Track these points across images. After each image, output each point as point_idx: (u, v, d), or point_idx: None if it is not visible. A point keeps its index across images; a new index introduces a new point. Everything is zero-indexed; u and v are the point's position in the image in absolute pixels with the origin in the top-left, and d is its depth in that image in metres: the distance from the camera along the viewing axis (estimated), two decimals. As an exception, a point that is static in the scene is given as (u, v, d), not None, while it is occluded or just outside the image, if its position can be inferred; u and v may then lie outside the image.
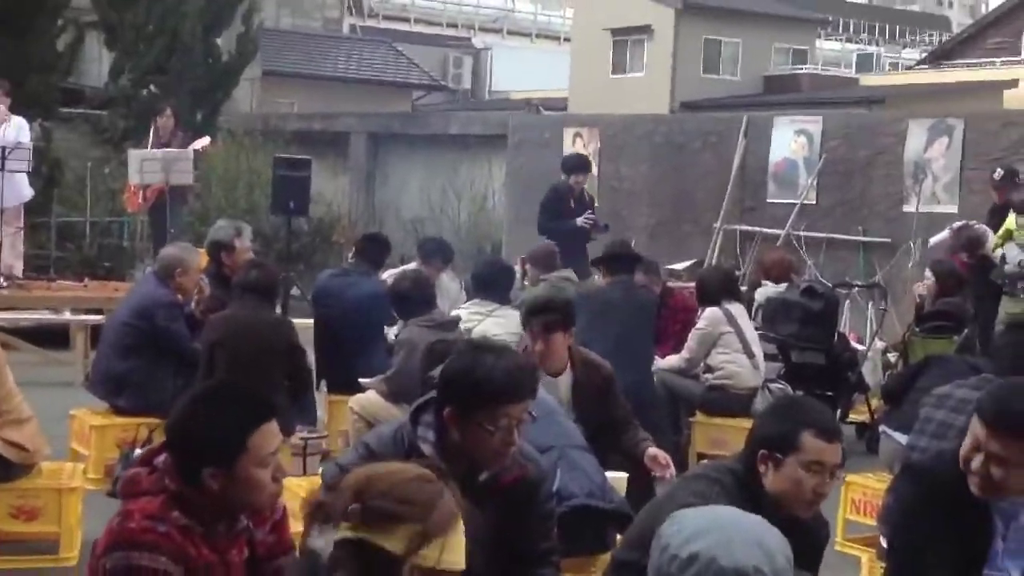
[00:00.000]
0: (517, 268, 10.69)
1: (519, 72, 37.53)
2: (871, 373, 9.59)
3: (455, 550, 2.57)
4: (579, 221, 11.91)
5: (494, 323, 8.16)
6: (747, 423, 8.46)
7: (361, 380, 7.60)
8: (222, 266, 8.22)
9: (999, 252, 9.38)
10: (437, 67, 36.45)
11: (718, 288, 8.91)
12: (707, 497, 3.58)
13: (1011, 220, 9.25)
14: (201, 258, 8.14)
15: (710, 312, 8.76)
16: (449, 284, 9.69)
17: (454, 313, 8.21)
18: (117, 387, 7.54)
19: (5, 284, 12.70)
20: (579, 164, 12.20)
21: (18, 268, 13.19)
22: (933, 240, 10.32)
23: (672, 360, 8.85)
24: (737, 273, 13.33)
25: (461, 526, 2.59)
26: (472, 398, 3.72)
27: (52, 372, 10.36)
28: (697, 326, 8.81)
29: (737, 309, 8.90)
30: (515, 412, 3.74)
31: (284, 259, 13.94)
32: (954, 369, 6.42)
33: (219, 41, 18.15)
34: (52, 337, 11.29)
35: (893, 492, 3.88)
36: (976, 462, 3.45)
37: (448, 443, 3.77)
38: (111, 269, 14.80)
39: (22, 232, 13.27)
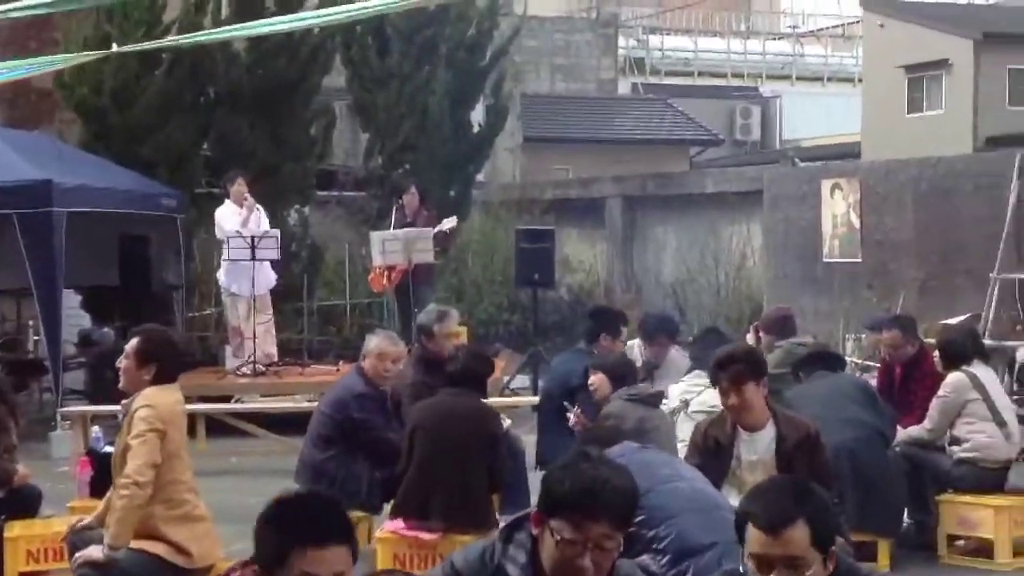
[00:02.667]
0: (750, 336, 10.16)
1: (810, 119, 36.63)
2: None
3: None
4: None
5: (713, 394, 7.76)
6: (1000, 501, 7.75)
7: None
8: (426, 351, 8.25)
9: None
10: (723, 119, 35.89)
11: (963, 350, 8.15)
12: None
13: None
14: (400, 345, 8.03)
15: (953, 378, 8.08)
16: (679, 360, 9.22)
17: (672, 386, 8.10)
18: (315, 477, 7.53)
19: (263, 371, 12.98)
20: None
21: (274, 354, 13.45)
22: None
23: (913, 431, 8.19)
24: (1020, 327, 12.36)
25: None
26: (550, 501, 3.42)
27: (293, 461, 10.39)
28: (939, 393, 8.10)
29: (985, 373, 8.13)
30: (591, 531, 3.34)
31: (537, 332, 13.87)
32: None
33: (473, 115, 18.12)
34: (299, 424, 11.34)
35: None
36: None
37: (539, 564, 3.44)
38: (370, 351, 14.92)
39: (272, 318, 13.52)
